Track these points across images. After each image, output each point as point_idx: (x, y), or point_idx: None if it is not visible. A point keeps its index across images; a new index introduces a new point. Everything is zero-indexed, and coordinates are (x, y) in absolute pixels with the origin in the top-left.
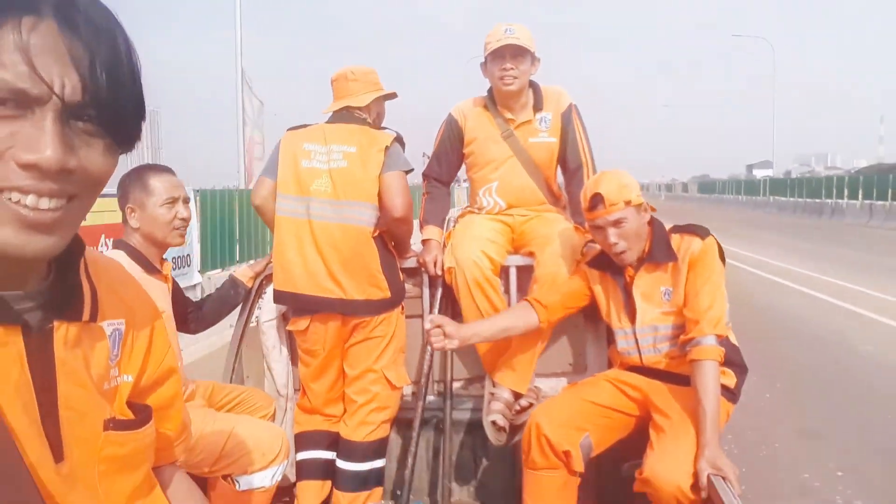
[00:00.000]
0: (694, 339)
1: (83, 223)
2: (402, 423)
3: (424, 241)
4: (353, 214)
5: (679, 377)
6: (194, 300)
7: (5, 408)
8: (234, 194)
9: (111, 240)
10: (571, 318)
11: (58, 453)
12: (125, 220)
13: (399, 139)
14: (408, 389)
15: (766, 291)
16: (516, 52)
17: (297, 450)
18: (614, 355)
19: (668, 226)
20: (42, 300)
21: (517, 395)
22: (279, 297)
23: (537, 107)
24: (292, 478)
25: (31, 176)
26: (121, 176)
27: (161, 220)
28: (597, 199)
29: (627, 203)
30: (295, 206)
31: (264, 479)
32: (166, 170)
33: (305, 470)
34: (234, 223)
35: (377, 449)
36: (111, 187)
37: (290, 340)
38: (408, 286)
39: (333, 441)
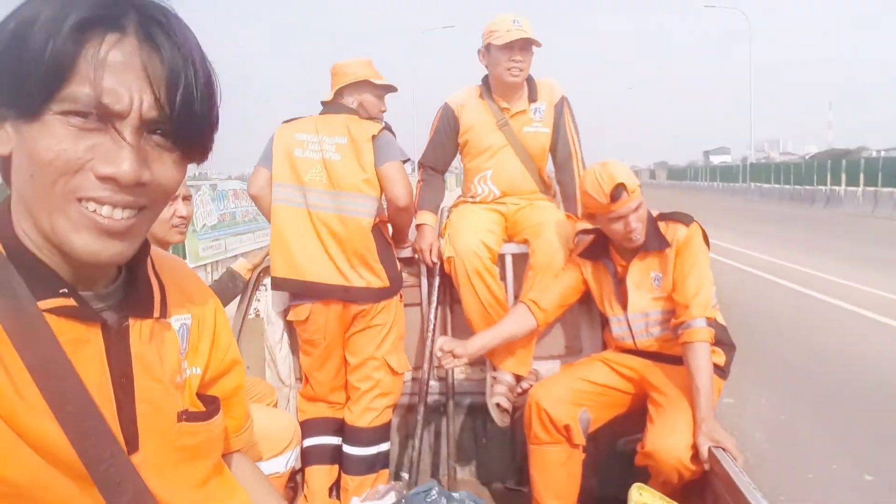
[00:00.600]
0: (685, 323)
1: None
2: (403, 407)
3: (419, 227)
4: (350, 206)
5: (672, 357)
6: None
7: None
8: None
9: None
10: None
11: (133, 445)
12: None
13: (388, 128)
14: (408, 375)
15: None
16: (525, 45)
17: (304, 437)
18: (609, 338)
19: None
20: (117, 299)
21: (518, 378)
22: (279, 283)
23: (532, 97)
24: (298, 464)
25: (109, 187)
26: None
27: (160, 217)
28: (620, 189)
29: (639, 187)
30: (292, 194)
31: (279, 465)
32: None
33: (313, 456)
34: None
35: (382, 433)
36: None
37: (291, 331)
38: (405, 275)
39: (339, 427)
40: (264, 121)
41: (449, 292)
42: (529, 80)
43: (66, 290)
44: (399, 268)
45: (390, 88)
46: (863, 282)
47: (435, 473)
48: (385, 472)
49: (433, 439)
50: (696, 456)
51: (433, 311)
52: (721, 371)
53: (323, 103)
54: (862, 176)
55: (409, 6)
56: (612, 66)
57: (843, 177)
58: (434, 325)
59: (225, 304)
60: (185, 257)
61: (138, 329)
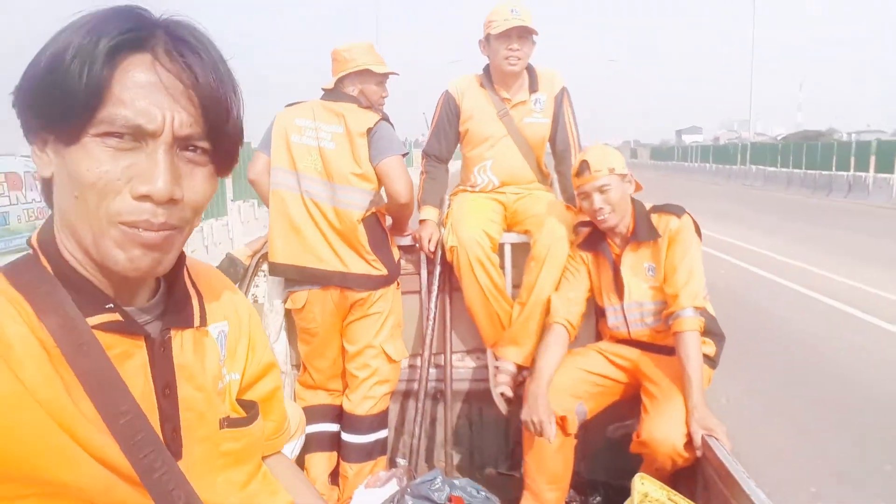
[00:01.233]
0: (675, 313)
1: None
2: (400, 394)
3: (422, 222)
4: (343, 198)
5: (665, 348)
6: None
7: None
8: None
9: None
10: None
11: (177, 453)
12: None
13: (385, 118)
14: (405, 362)
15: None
16: (523, 33)
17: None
18: (603, 329)
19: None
20: (159, 311)
21: (520, 368)
22: (277, 269)
23: (533, 88)
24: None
25: (146, 207)
26: None
27: None
28: (584, 166)
29: (611, 171)
30: (288, 179)
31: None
32: None
33: (313, 443)
34: None
35: (380, 421)
36: None
37: (289, 318)
38: (403, 262)
39: (338, 414)
40: None
41: (448, 280)
42: (530, 69)
43: (111, 306)
44: (397, 256)
45: (391, 75)
46: None
47: (430, 459)
48: (383, 459)
49: (429, 426)
50: (689, 443)
51: (433, 299)
52: (711, 361)
53: (324, 90)
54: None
55: None
56: (595, 35)
57: (873, 161)
58: (433, 313)
59: None
60: None
61: (180, 339)
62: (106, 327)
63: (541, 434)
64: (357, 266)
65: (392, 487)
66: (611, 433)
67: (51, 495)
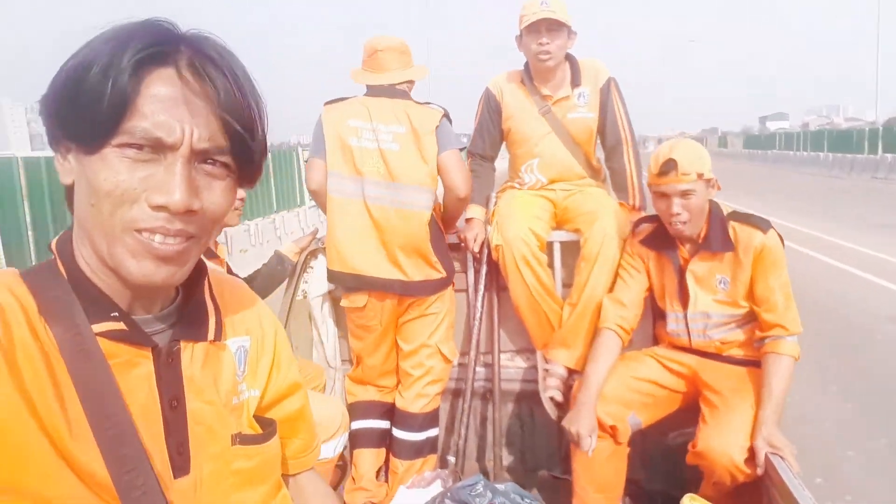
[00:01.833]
0: (774, 336)
1: None
2: (449, 392)
3: (468, 220)
4: (408, 199)
5: (729, 358)
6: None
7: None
8: None
9: None
10: None
11: (183, 468)
12: None
13: (446, 115)
14: (454, 361)
15: None
16: (552, 26)
17: (353, 419)
18: (661, 333)
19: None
20: (170, 322)
21: (570, 371)
22: (335, 277)
23: (575, 82)
24: (346, 448)
25: (161, 216)
26: None
27: None
28: (670, 165)
29: (700, 175)
30: (348, 186)
31: (327, 451)
32: None
33: (361, 439)
34: None
35: (432, 419)
36: None
37: (338, 313)
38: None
39: (387, 411)
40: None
41: (495, 279)
42: (572, 62)
43: (116, 314)
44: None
45: (425, 74)
46: None
47: (480, 459)
48: (433, 458)
49: (479, 425)
50: (750, 459)
51: (480, 298)
52: None
53: (369, 86)
54: None
55: None
56: (672, 16)
57: None
58: (480, 312)
59: (273, 286)
60: None
61: (190, 352)
62: (111, 335)
63: (579, 446)
64: (417, 274)
65: (436, 488)
66: (671, 441)
67: None
